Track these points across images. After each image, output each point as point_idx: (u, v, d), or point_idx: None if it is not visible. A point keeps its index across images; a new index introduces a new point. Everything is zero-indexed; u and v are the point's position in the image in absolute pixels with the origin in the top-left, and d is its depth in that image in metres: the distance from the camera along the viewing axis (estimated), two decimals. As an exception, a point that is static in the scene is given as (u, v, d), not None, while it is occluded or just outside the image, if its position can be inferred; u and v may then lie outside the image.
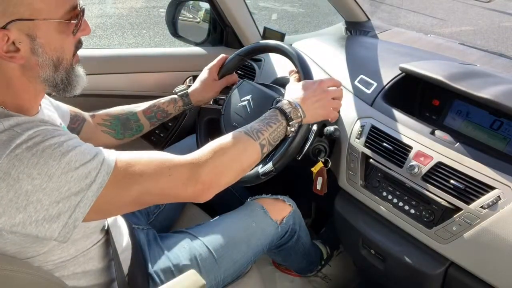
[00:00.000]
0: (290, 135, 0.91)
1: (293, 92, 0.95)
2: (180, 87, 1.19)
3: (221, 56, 1.23)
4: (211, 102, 1.24)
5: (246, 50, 1.19)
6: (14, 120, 0.64)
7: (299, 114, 0.91)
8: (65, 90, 0.73)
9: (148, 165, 0.71)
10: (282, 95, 1.10)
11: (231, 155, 0.79)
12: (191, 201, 0.78)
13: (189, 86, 1.20)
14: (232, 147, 0.79)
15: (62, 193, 0.62)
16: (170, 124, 1.56)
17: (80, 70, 0.75)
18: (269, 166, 1.00)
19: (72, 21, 0.68)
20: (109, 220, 0.88)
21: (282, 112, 0.89)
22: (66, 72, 0.71)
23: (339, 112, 1.06)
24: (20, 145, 0.60)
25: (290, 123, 0.89)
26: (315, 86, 0.95)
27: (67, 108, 1.02)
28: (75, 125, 1.04)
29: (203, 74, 1.20)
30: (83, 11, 0.70)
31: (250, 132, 0.84)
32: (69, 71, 0.72)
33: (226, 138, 0.81)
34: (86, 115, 1.08)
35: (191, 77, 1.56)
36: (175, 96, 1.17)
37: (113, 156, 0.70)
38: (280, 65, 1.37)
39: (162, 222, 1.19)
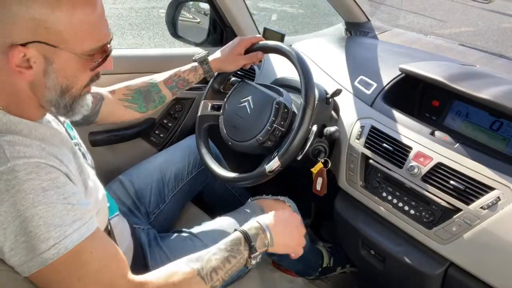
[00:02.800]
0: (249, 267, 0.81)
1: (266, 216, 0.89)
2: (200, 54, 1.14)
3: (258, 36, 1.17)
4: (209, 109, 1.23)
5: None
6: (9, 137, 0.62)
7: (266, 242, 0.83)
8: (64, 114, 0.71)
9: (105, 268, 0.65)
10: (282, 95, 1.10)
11: None
12: None
13: (208, 54, 1.15)
14: None
15: (17, 241, 0.59)
16: (170, 124, 1.56)
17: (88, 99, 0.74)
18: (275, 161, 1.00)
19: (94, 60, 0.67)
20: (112, 221, 0.88)
21: (247, 239, 0.80)
22: (72, 99, 0.69)
23: None
24: (1, 173, 0.58)
25: (252, 255, 0.80)
26: (287, 216, 0.91)
27: None
28: (93, 105, 1.01)
29: (232, 44, 1.14)
30: (110, 51, 0.69)
31: (204, 273, 0.74)
32: (75, 99, 0.70)
33: (177, 280, 0.71)
34: (105, 92, 1.06)
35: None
36: (195, 64, 1.13)
37: (83, 233, 0.63)
38: (280, 66, 1.38)
39: (162, 222, 1.19)
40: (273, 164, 1.00)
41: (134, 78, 1.44)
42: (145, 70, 1.47)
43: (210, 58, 1.13)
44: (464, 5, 7.32)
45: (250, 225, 0.85)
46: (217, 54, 1.15)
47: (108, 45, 0.69)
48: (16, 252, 0.59)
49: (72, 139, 0.79)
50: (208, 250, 0.79)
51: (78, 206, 0.64)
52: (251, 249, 0.80)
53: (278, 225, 0.87)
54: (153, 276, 0.72)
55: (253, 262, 0.81)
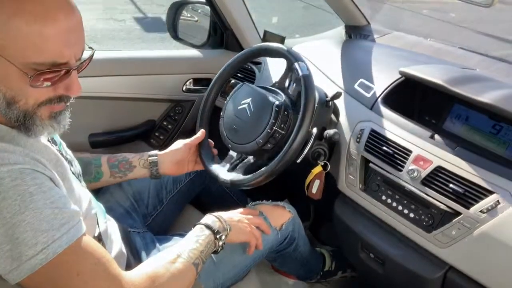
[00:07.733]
0: (219, 250, 0.89)
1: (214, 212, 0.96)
2: (153, 157, 1.10)
3: (201, 131, 1.15)
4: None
5: (246, 54, 1.19)
6: None
7: (225, 226, 0.90)
8: (21, 130, 0.67)
9: (93, 267, 0.65)
10: (282, 98, 1.10)
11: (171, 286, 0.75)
12: None
13: (157, 160, 1.11)
14: (172, 278, 0.75)
15: (1, 250, 0.58)
16: (170, 126, 1.56)
17: (49, 124, 0.68)
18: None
19: (30, 75, 0.60)
20: (101, 229, 0.86)
21: (208, 227, 0.88)
22: (22, 114, 0.65)
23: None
24: None
25: (217, 236, 0.87)
26: (231, 212, 0.99)
27: None
28: None
29: (177, 149, 1.12)
30: (67, 71, 0.64)
31: (185, 254, 0.80)
32: (27, 115, 0.65)
33: (165, 266, 0.76)
34: None
35: (191, 80, 1.56)
36: (146, 157, 1.10)
37: (71, 236, 0.62)
38: (280, 69, 1.37)
39: (160, 224, 1.19)
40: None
41: (134, 79, 1.46)
42: (146, 72, 1.48)
43: (160, 161, 1.10)
44: (452, 25, 6.98)
45: (205, 219, 0.92)
46: (167, 157, 1.11)
47: (66, 66, 0.63)
48: (0, 262, 0.58)
49: (55, 145, 0.78)
50: (178, 244, 0.84)
51: (65, 209, 0.63)
52: (214, 232, 0.88)
53: (226, 214, 0.96)
54: (143, 266, 0.76)
55: (220, 243, 0.88)
